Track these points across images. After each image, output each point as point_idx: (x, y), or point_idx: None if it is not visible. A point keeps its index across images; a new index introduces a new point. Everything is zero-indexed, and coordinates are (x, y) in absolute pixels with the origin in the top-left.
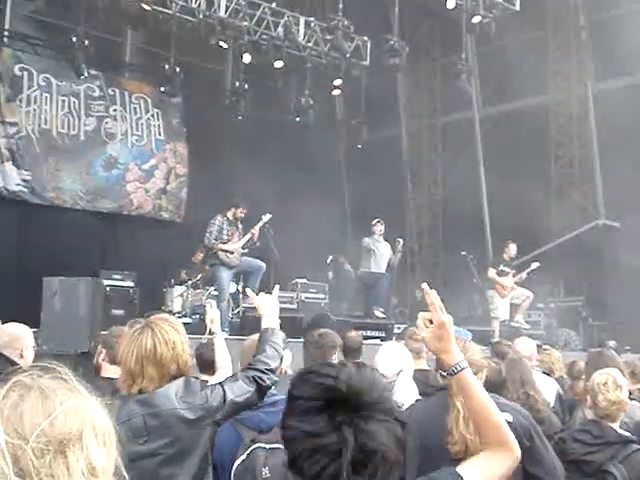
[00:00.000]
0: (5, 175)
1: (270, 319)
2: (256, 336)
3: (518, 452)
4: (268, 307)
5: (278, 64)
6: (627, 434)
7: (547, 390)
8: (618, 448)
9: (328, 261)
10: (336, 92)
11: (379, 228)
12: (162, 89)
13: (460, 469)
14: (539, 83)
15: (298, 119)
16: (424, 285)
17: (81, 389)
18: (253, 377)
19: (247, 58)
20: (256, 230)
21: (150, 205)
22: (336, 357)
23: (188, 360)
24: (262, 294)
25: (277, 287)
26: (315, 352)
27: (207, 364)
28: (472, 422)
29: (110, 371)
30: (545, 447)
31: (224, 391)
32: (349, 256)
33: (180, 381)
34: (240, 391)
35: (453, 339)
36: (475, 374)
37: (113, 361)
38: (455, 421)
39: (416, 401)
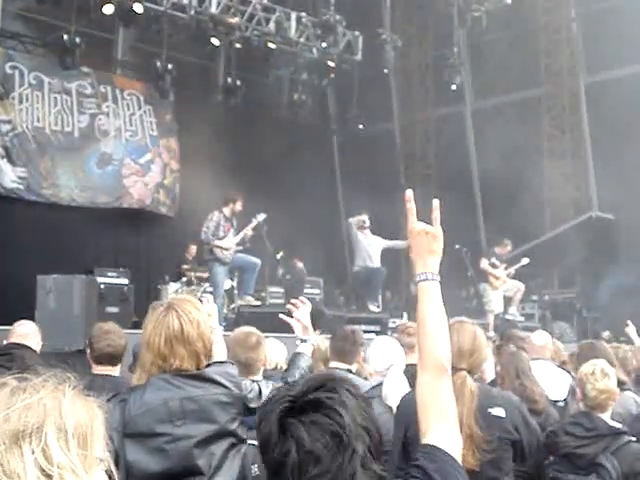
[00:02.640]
0: (0, 172)
1: (306, 345)
2: (243, 329)
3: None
4: (307, 332)
5: (272, 45)
6: (618, 425)
7: (560, 384)
8: (610, 440)
9: (278, 257)
10: (329, 86)
11: (367, 224)
12: (155, 85)
13: (434, 443)
14: (531, 76)
15: (290, 115)
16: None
17: (60, 387)
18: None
19: (239, 45)
20: (249, 230)
21: (150, 199)
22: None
23: (211, 337)
24: (302, 315)
25: (308, 303)
26: (346, 347)
27: None
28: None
29: (95, 369)
30: (532, 436)
31: (259, 387)
32: (301, 255)
33: (219, 367)
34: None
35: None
36: (478, 366)
37: (95, 359)
38: None
39: (407, 393)
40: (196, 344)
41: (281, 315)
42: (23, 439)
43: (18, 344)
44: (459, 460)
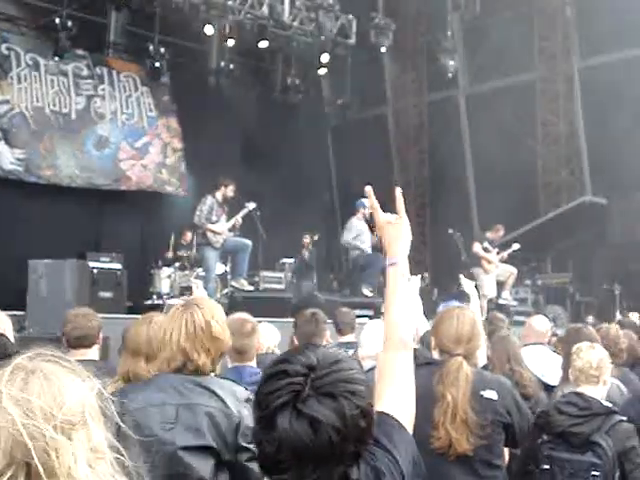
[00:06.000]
0: None
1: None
2: (238, 315)
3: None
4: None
5: (263, 44)
6: (610, 405)
7: (558, 369)
8: (603, 419)
9: (316, 238)
10: (322, 71)
11: (363, 212)
12: (148, 68)
13: (383, 409)
14: (525, 60)
15: (284, 99)
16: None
17: (79, 371)
18: None
19: (231, 43)
20: (238, 219)
21: (151, 179)
22: (328, 334)
23: (229, 339)
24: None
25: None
26: (309, 329)
27: None
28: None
29: (70, 354)
30: (523, 420)
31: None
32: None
33: (227, 383)
34: None
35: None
36: (474, 353)
37: (67, 344)
38: (443, 415)
39: None
40: (222, 340)
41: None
42: (74, 428)
43: None
44: (409, 428)
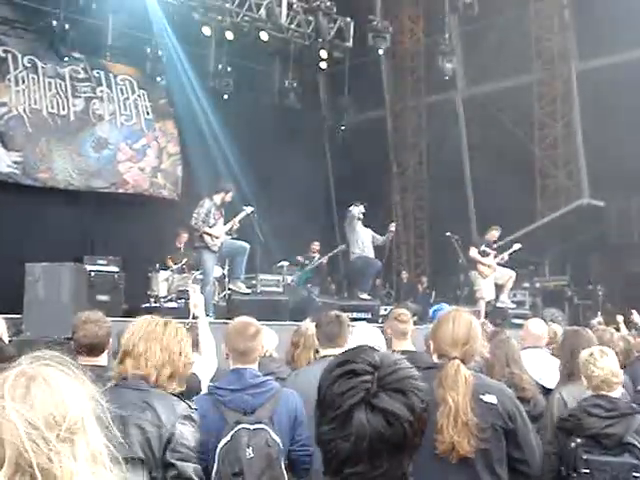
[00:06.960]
0: None
1: None
2: (242, 318)
3: None
4: None
5: (264, 36)
6: (634, 405)
7: (553, 372)
8: (630, 419)
9: (337, 250)
10: (320, 74)
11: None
12: (146, 71)
13: None
14: (523, 63)
15: (281, 101)
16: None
17: (77, 377)
18: None
19: (230, 35)
20: (236, 222)
21: (147, 183)
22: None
23: (186, 367)
24: None
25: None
26: (332, 330)
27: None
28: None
29: (79, 359)
30: (526, 428)
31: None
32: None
33: (171, 398)
34: None
35: None
36: (471, 356)
37: (76, 350)
38: (446, 418)
39: None
40: (173, 356)
41: None
42: (75, 434)
43: None
44: None
